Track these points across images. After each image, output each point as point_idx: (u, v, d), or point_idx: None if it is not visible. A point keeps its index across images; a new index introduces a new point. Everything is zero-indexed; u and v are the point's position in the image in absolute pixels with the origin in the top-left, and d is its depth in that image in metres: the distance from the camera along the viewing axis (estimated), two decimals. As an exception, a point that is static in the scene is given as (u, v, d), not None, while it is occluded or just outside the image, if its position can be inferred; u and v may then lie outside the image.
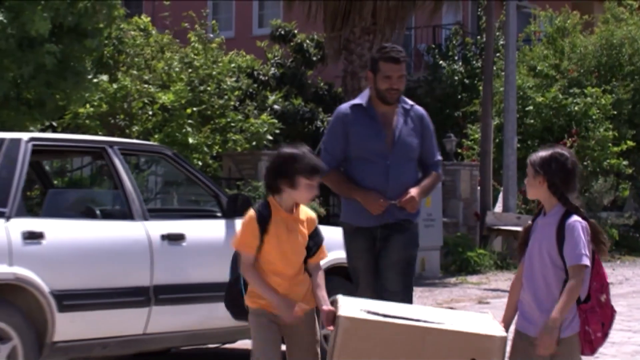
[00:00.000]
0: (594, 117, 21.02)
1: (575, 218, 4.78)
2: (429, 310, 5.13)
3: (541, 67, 22.23)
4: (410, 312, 4.81)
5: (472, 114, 22.83)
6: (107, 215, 7.51)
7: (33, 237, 6.54)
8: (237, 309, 5.24)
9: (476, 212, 18.87)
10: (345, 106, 6.52)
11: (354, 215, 6.38)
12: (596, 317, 4.81)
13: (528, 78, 21.79)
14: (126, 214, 7.21)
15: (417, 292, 13.70)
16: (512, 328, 5.02)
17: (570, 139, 20.45)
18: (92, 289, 6.80)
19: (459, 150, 21.90)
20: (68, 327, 6.64)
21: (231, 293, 5.24)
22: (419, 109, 6.55)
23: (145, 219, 7.21)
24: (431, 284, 15.53)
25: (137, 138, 14.23)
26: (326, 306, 5.00)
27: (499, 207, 19.29)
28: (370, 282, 6.31)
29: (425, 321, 4.67)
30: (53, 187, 8.27)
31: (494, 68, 20.22)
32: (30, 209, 8.02)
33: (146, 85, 15.23)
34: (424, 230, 16.42)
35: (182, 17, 18.53)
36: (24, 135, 6.96)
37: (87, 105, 14.07)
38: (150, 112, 15.06)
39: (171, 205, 13.20)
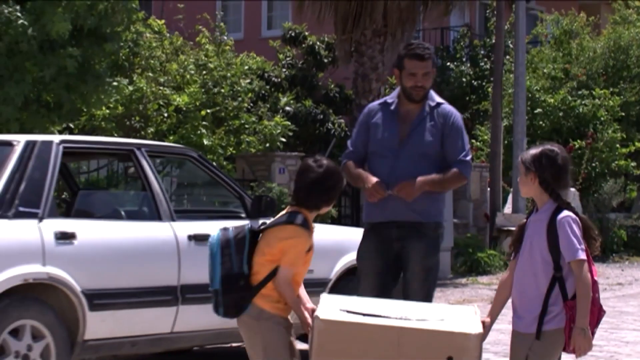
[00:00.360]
0: (602, 118, 21.14)
1: (566, 213, 4.79)
2: (413, 305, 5.06)
3: (548, 69, 22.33)
4: (391, 309, 4.77)
5: (481, 115, 22.94)
6: (135, 216, 7.64)
7: (65, 237, 6.66)
8: (239, 309, 4.98)
9: (486, 213, 18.99)
10: (375, 103, 6.55)
11: (365, 210, 6.36)
12: None
13: (538, 80, 21.89)
14: (154, 215, 7.34)
15: (429, 292, 13.82)
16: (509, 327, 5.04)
17: (585, 141, 20.54)
18: (122, 289, 6.92)
19: (468, 151, 22.01)
20: (99, 325, 6.77)
21: (237, 292, 4.95)
22: (447, 107, 6.38)
23: (173, 219, 7.34)
24: (442, 284, 15.64)
25: (152, 140, 14.35)
26: (309, 304, 5.02)
27: (508, 208, 19.41)
28: (372, 284, 6.17)
29: (404, 319, 4.64)
30: (78, 189, 8.40)
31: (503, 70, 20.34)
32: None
33: (161, 88, 15.35)
34: (435, 231, 16.57)
35: (191, 18, 18.64)
36: (55, 138, 7.09)
37: (103, 107, 14.21)
38: (165, 114, 15.18)
39: (193, 206, 13.30)
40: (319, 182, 5.01)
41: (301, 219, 4.98)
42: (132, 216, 7.62)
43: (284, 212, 5.12)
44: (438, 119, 6.29)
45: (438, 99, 6.41)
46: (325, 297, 4.88)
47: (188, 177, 12.68)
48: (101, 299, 6.76)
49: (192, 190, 12.92)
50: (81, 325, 6.69)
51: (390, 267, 6.24)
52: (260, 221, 5.15)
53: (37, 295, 6.58)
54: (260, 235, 5.03)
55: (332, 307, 4.71)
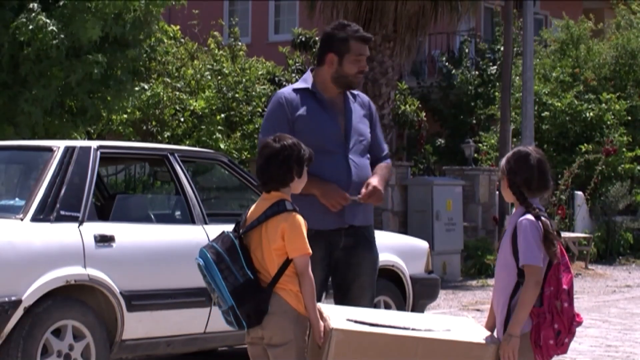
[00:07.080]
0: (608, 122, 21.33)
1: (526, 217, 4.59)
2: (410, 316, 5.08)
3: (557, 73, 22.47)
4: (394, 319, 4.74)
5: (488, 119, 23.11)
6: (170, 220, 7.83)
7: (104, 240, 6.85)
8: (261, 315, 4.64)
9: (494, 216, 19.14)
10: (287, 89, 5.65)
11: (310, 217, 5.11)
12: (547, 324, 4.59)
13: (544, 84, 22.05)
14: (187, 219, 7.53)
15: (442, 294, 14.00)
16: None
17: (601, 147, 20.60)
18: (158, 290, 7.10)
19: (475, 155, 22.19)
20: (136, 325, 6.95)
21: (254, 300, 4.62)
22: (364, 95, 5.78)
23: (205, 222, 7.51)
24: (453, 286, 15.84)
25: (168, 144, 14.55)
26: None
27: (516, 212, 19.55)
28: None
29: (414, 329, 4.61)
30: (109, 193, 8.60)
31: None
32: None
33: (177, 93, 15.56)
34: (446, 235, 16.79)
35: (199, 23, 18.82)
36: (93, 143, 7.29)
37: (121, 112, 14.41)
38: (182, 119, 15.39)
39: (223, 209, 13.52)
40: (283, 151, 4.72)
41: (289, 205, 4.71)
42: (167, 220, 7.81)
43: (259, 204, 4.77)
44: (365, 109, 5.69)
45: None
46: (325, 307, 4.76)
47: (218, 181, 12.83)
48: (139, 300, 6.94)
49: (222, 193, 13.06)
50: (119, 325, 6.86)
51: (327, 279, 5.59)
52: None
53: (78, 296, 6.76)
54: (245, 235, 4.72)
55: (339, 317, 4.63)
